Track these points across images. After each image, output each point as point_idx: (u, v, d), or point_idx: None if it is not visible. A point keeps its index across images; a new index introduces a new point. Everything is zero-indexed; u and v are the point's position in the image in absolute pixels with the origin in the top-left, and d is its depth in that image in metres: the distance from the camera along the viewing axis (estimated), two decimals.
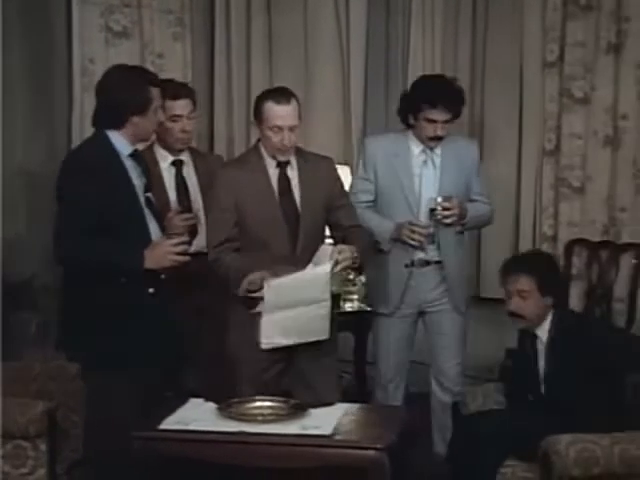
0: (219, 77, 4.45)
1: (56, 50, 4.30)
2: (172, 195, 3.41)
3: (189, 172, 3.48)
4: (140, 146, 3.16)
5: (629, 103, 4.28)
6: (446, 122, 3.39)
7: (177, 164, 3.47)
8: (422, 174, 3.46)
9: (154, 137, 3.36)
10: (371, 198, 3.48)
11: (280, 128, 3.00)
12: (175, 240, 2.92)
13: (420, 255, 3.45)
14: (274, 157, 3.07)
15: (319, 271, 2.92)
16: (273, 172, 3.08)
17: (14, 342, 3.32)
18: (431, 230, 3.39)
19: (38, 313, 3.77)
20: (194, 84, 4.41)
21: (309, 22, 4.49)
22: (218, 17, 4.46)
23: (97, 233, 2.85)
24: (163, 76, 4.33)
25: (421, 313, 3.55)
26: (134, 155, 2.98)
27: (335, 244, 3.06)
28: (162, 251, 2.90)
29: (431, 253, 3.46)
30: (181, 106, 3.40)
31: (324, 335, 2.99)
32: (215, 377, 3.30)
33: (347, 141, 4.54)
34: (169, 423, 2.72)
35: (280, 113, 3.00)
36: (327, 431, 2.64)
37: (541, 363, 3.02)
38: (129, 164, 2.95)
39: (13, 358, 3.15)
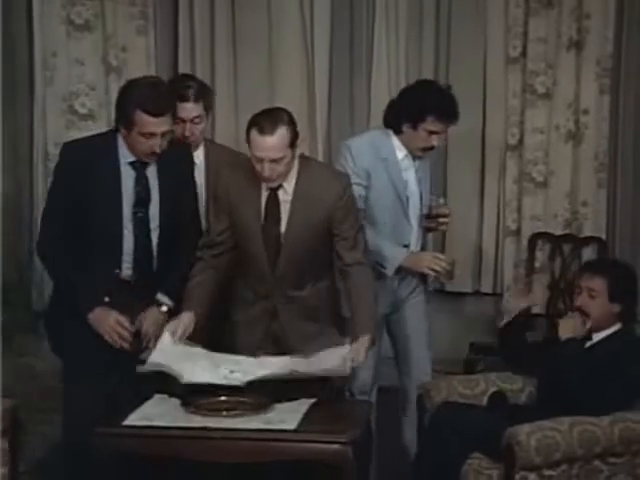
0: (183, 70, 4.40)
1: (17, 43, 4.24)
2: None
3: (199, 173, 3.25)
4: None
5: (590, 98, 4.33)
6: (444, 132, 3.33)
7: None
8: (407, 179, 3.36)
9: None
10: (363, 206, 3.22)
11: (260, 159, 2.81)
12: (123, 318, 2.89)
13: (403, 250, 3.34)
14: None
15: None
16: (264, 192, 2.91)
17: None
18: (450, 268, 3.26)
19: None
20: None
21: (273, 16, 4.46)
22: (182, 10, 4.42)
23: (74, 234, 2.88)
24: (126, 70, 4.35)
25: (395, 309, 3.46)
26: (135, 165, 2.93)
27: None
28: (105, 323, 2.89)
29: (413, 246, 3.37)
30: (185, 109, 3.19)
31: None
32: None
33: (312, 138, 4.53)
34: (133, 419, 2.70)
35: (261, 144, 2.79)
36: (292, 425, 2.64)
37: (578, 368, 2.98)
38: (127, 172, 2.92)
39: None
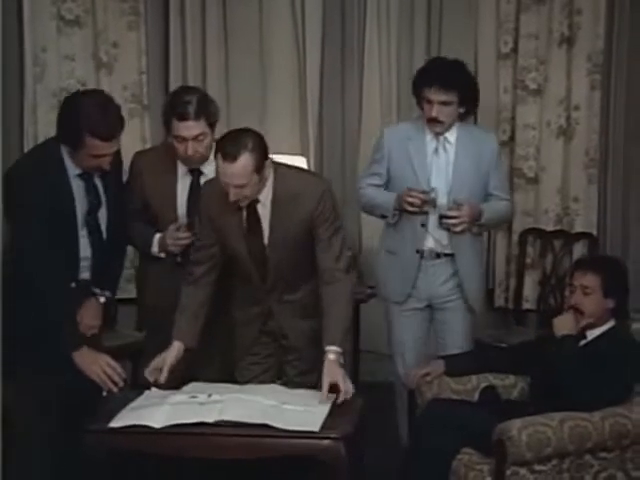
0: (174, 67, 4.40)
1: (7, 39, 4.21)
2: (181, 207, 3.12)
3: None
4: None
5: (581, 94, 4.35)
6: (444, 104, 3.29)
7: (194, 174, 3.12)
8: (432, 163, 3.35)
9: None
10: (380, 182, 3.40)
11: (227, 184, 2.78)
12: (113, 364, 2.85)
13: (430, 245, 3.37)
14: None
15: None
16: (245, 208, 2.91)
17: None
18: (432, 196, 3.27)
19: None
20: (149, 74, 4.38)
21: (264, 13, 4.46)
22: (173, 6, 4.40)
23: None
24: (117, 66, 4.34)
25: (432, 309, 3.46)
26: (83, 176, 2.89)
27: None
28: (95, 365, 2.83)
29: (443, 244, 3.38)
30: (186, 128, 3.00)
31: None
32: None
33: (303, 133, 4.53)
34: (123, 417, 2.68)
35: (224, 171, 2.76)
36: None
37: (576, 365, 2.96)
38: (76, 184, 2.88)
39: None
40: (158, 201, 3.14)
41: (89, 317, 2.96)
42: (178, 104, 3.03)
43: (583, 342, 3.02)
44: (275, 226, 2.91)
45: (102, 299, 3.02)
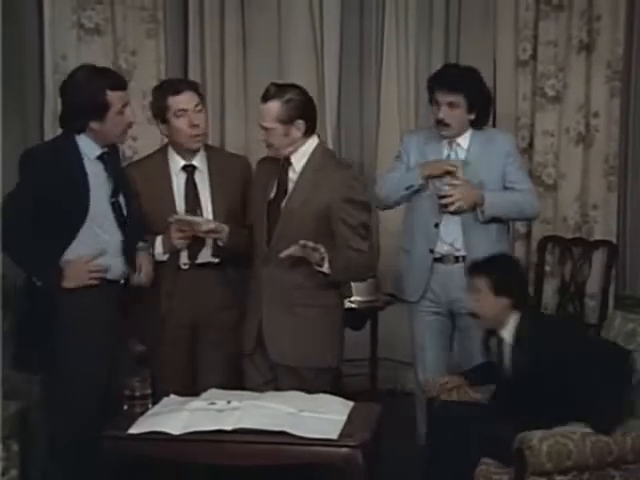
0: (193, 74, 4.42)
1: (27, 47, 4.25)
2: (180, 204, 3.18)
3: (202, 178, 3.21)
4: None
5: (601, 101, 4.33)
6: (451, 106, 3.34)
7: (188, 170, 3.21)
8: None
9: (166, 140, 3.25)
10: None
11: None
12: (89, 258, 2.88)
13: (445, 248, 3.39)
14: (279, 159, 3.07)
15: None
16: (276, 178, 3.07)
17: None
18: (456, 166, 3.34)
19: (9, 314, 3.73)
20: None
21: (283, 19, 4.48)
22: (192, 14, 4.43)
23: (45, 232, 2.85)
24: (136, 74, 4.36)
25: (454, 316, 3.46)
26: (103, 158, 2.94)
27: None
28: (78, 269, 2.88)
29: (456, 247, 3.40)
30: (185, 100, 3.13)
31: None
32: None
33: (321, 139, 4.52)
34: (142, 423, 2.69)
35: (259, 109, 3.02)
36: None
37: (507, 365, 3.02)
38: (94, 167, 2.92)
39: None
40: (156, 206, 3.15)
41: (148, 268, 3.05)
42: (170, 85, 3.20)
43: (509, 341, 3.00)
44: (295, 192, 3.01)
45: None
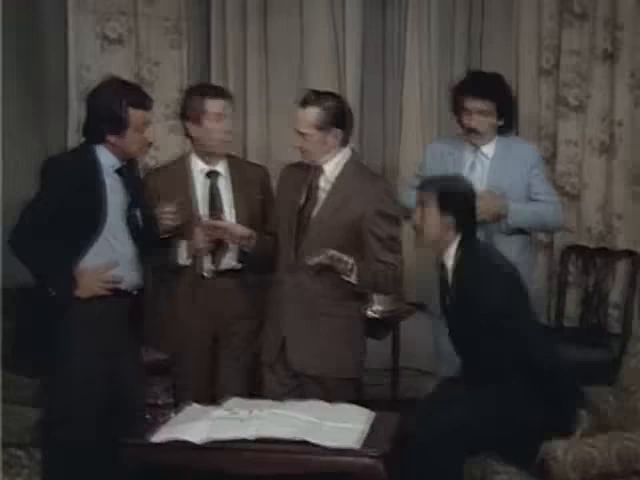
0: (215, 83, 4.44)
1: (51, 57, 4.29)
2: (203, 209, 3.21)
3: (225, 184, 3.26)
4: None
5: (624, 110, 4.30)
6: (482, 113, 3.33)
7: (212, 176, 3.25)
8: (468, 177, 3.32)
9: (189, 147, 3.29)
10: None
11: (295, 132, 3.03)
12: (102, 268, 2.90)
13: None
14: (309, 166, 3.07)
15: None
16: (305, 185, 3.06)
17: (4, 348, 3.30)
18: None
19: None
20: None
21: (305, 29, 4.49)
22: (214, 24, 4.46)
23: (61, 242, 2.87)
24: (158, 84, 4.39)
25: None
26: (121, 171, 2.96)
27: None
28: (92, 279, 2.89)
29: None
30: (222, 105, 3.21)
31: None
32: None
33: None
34: (164, 431, 2.69)
35: (296, 115, 3.02)
36: None
37: (450, 293, 2.99)
38: (112, 180, 2.94)
39: (7, 365, 3.13)
40: (179, 212, 3.15)
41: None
42: (209, 89, 3.26)
43: (450, 267, 2.98)
44: (327, 202, 3.00)
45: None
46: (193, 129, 3.19)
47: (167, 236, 3.13)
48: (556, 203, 3.52)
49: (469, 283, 2.90)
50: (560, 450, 2.64)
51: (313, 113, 2.95)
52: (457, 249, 2.96)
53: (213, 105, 3.17)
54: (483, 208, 3.27)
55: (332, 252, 2.89)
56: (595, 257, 4.35)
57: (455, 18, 4.46)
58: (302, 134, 2.98)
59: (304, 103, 2.97)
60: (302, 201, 3.05)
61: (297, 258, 3.02)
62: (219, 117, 3.18)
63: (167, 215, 3.05)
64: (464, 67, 4.43)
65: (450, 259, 2.98)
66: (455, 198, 2.97)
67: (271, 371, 3.10)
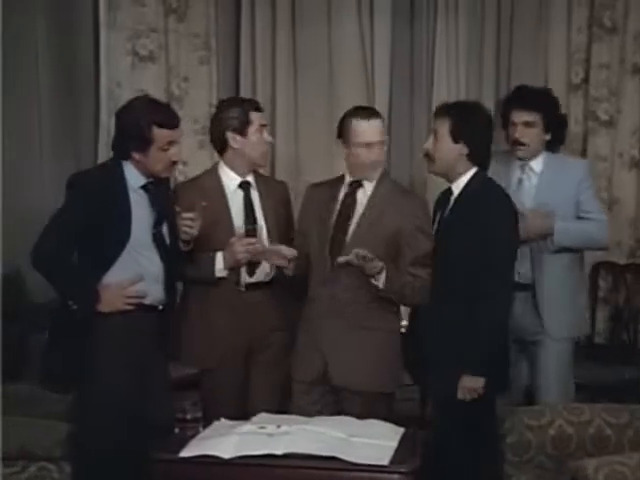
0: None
1: (83, 74, 4.35)
2: (237, 220, 3.21)
3: (256, 196, 3.27)
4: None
5: None
6: (527, 125, 3.29)
7: (244, 186, 3.26)
8: (515, 193, 3.26)
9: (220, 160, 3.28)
10: None
11: (366, 144, 3.04)
12: (126, 283, 2.91)
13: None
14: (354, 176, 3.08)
15: None
16: (342, 192, 3.09)
17: (36, 363, 3.33)
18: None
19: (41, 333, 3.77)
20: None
21: (334, 42, 4.51)
22: (243, 40, 4.49)
23: (85, 257, 2.89)
24: (188, 99, 4.43)
25: (523, 342, 3.34)
26: (147, 188, 2.97)
27: None
28: (115, 294, 2.91)
29: (521, 274, 3.27)
30: (263, 117, 3.29)
31: None
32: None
33: None
34: (193, 446, 2.69)
35: (365, 128, 3.04)
36: None
37: (446, 220, 2.99)
38: (138, 196, 2.95)
39: (35, 379, 3.14)
40: (213, 224, 3.15)
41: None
42: (251, 102, 3.31)
43: (453, 197, 2.97)
44: (365, 217, 3.02)
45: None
46: (237, 140, 3.20)
47: (188, 248, 3.10)
48: (605, 222, 3.45)
49: (469, 208, 2.89)
50: (591, 468, 2.60)
51: (380, 121, 3.07)
52: (470, 179, 2.94)
53: (256, 116, 3.21)
54: (529, 227, 3.21)
55: (362, 251, 2.89)
56: (625, 273, 4.31)
57: (484, 31, 4.45)
58: (381, 142, 3.08)
59: (371, 113, 3.08)
60: (334, 217, 3.06)
61: (333, 273, 3.02)
62: (263, 129, 3.23)
63: (186, 222, 3.03)
64: (493, 81, 4.43)
65: (458, 189, 2.97)
66: (469, 126, 2.93)
67: (306, 388, 3.08)
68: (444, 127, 2.94)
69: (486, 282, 2.86)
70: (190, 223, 3.01)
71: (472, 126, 2.94)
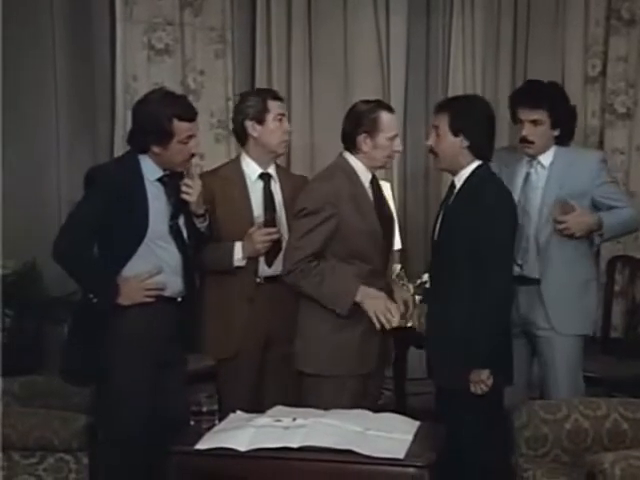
0: None
1: (99, 67, 4.36)
2: (257, 210, 3.22)
3: (276, 187, 3.28)
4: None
5: None
6: (534, 123, 3.26)
7: (265, 178, 3.27)
8: (523, 188, 3.29)
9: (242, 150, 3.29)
10: None
11: (394, 137, 3.05)
12: (145, 276, 2.92)
13: (516, 270, 3.20)
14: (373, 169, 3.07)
15: None
16: (369, 185, 3.08)
17: (53, 356, 3.35)
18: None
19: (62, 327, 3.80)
20: (235, 100, 4.46)
21: (350, 37, 4.51)
22: (259, 33, 4.50)
23: (103, 250, 2.91)
24: (204, 93, 4.44)
25: (530, 335, 3.32)
26: (163, 180, 2.98)
27: None
28: (134, 287, 2.92)
29: (527, 267, 3.27)
30: (283, 106, 3.28)
31: None
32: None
33: None
34: (209, 439, 2.70)
35: (392, 122, 3.05)
36: None
37: (448, 213, 3.00)
38: (154, 189, 2.96)
39: (52, 372, 3.18)
40: (233, 214, 3.18)
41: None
42: (268, 91, 3.34)
43: (455, 191, 2.98)
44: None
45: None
46: (256, 129, 3.20)
47: (204, 224, 3.08)
48: (633, 205, 3.43)
49: (469, 202, 2.90)
50: (607, 463, 2.59)
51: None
52: (472, 172, 2.95)
53: (274, 105, 3.22)
54: (574, 223, 3.20)
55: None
56: None
57: (500, 26, 4.44)
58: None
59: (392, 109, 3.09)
60: (374, 207, 3.06)
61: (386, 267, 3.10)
62: (282, 117, 3.24)
63: (184, 188, 3.02)
64: (509, 75, 4.41)
65: (460, 181, 2.98)
66: (468, 119, 2.93)
67: (365, 382, 3.06)
68: (444, 122, 2.95)
69: (485, 274, 2.86)
70: (187, 189, 3.01)
71: (471, 118, 2.94)
